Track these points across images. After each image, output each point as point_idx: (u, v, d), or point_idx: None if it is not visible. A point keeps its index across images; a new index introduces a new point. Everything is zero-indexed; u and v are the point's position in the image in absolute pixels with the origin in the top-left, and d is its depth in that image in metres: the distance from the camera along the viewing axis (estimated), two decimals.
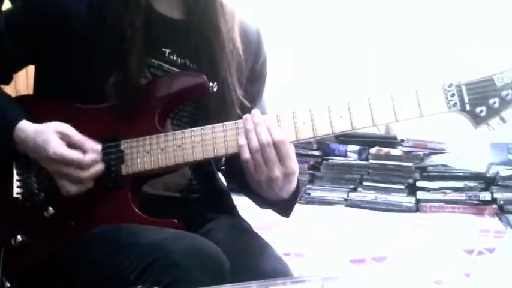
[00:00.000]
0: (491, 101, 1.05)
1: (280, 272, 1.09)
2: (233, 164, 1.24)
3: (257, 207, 1.25)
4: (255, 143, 1.06)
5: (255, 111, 1.09)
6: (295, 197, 1.16)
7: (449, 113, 1.07)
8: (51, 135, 1.10)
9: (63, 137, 1.10)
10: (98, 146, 1.12)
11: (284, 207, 1.18)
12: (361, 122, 1.08)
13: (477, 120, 1.06)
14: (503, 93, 1.05)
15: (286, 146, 1.06)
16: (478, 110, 1.05)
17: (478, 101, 1.05)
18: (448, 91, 1.06)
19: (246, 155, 1.07)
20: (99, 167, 1.11)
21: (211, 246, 1.04)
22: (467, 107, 1.06)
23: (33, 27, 1.17)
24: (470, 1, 3.47)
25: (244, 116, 1.09)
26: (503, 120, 1.06)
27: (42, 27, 1.16)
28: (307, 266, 2.37)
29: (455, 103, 1.06)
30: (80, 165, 1.09)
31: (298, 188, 1.14)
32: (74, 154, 1.09)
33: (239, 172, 1.15)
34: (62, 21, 1.14)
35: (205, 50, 1.18)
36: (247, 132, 1.07)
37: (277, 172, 1.06)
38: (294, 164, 1.07)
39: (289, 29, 3.71)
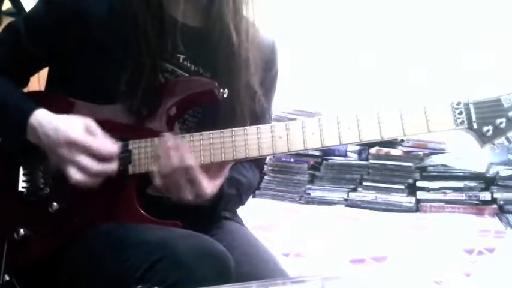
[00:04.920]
0: (498, 121, 1.07)
1: (274, 276, 1.10)
2: None
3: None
4: (165, 169, 1.07)
5: (167, 135, 1.10)
6: (218, 203, 1.18)
7: (456, 130, 1.09)
8: (76, 121, 1.10)
9: (87, 127, 1.10)
10: (117, 146, 1.11)
11: (209, 213, 1.20)
12: (369, 135, 1.09)
13: (483, 139, 1.09)
14: (510, 113, 1.07)
15: (194, 171, 1.07)
16: (484, 129, 1.08)
17: (485, 120, 1.08)
18: (456, 109, 1.08)
19: (159, 181, 1.09)
20: (112, 166, 1.10)
21: (216, 245, 1.04)
22: (475, 126, 1.08)
23: (52, 28, 1.19)
24: (470, 5, 3.47)
25: (158, 140, 1.10)
26: (509, 140, 1.09)
27: (61, 27, 1.18)
28: (307, 266, 2.37)
29: (463, 121, 1.08)
30: (96, 154, 1.09)
31: (221, 195, 1.16)
32: (93, 141, 1.09)
33: None
34: (81, 22, 1.16)
35: (219, 59, 1.20)
36: (159, 158, 1.08)
37: (188, 195, 1.08)
38: (204, 189, 1.08)
39: (288, 32, 3.71)
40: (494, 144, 1.09)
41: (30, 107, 1.13)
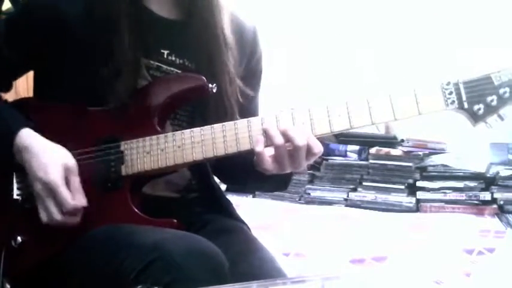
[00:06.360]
0: (489, 99, 1.06)
1: (272, 276, 1.10)
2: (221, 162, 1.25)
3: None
4: (278, 147, 1.09)
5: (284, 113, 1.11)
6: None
7: (447, 111, 1.08)
8: (57, 163, 1.09)
9: (67, 173, 1.10)
10: (85, 201, 1.10)
11: (285, 178, 1.21)
12: (359, 121, 1.08)
13: (475, 118, 1.07)
14: (501, 91, 1.06)
15: (301, 152, 1.08)
16: (475, 107, 1.06)
17: (475, 99, 1.06)
18: (446, 89, 1.07)
19: (266, 158, 1.10)
20: (74, 220, 1.09)
21: (210, 246, 1.04)
22: (465, 105, 1.07)
23: (32, 32, 1.18)
24: (465, 2, 3.47)
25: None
26: (501, 118, 1.07)
27: (40, 31, 1.17)
28: (307, 266, 2.37)
29: (453, 101, 1.07)
30: (61, 204, 1.08)
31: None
32: (66, 194, 1.08)
33: (227, 170, 1.24)
34: (59, 25, 1.15)
35: (202, 50, 1.19)
36: (271, 138, 1.09)
37: (288, 169, 1.10)
38: (305, 163, 1.11)
39: (284, 29, 3.71)
40: (486, 123, 1.07)
41: (15, 126, 1.12)
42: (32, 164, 1.09)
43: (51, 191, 1.08)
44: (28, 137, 1.11)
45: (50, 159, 1.09)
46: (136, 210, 1.12)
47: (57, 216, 1.08)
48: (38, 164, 1.09)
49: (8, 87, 1.27)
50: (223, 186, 1.39)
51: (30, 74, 1.28)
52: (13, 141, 1.11)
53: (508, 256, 2.50)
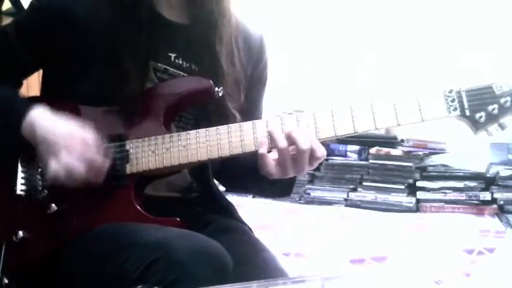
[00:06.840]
0: (490, 108, 1.08)
1: (275, 276, 1.10)
2: (223, 165, 1.26)
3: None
4: (282, 151, 1.09)
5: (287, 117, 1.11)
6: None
7: (449, 118, 1.09)
8: (80, 127, 1.10)
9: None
10: (107, 164, 1.10)
11: (288, 184, 1.21)
12: (363, 126, 1.09)
13: (476, 125, 1.09)
14: (502, 100, 1.08)
15: (305, 154, 1.08)
16: (477, 115, 1.08)
17: (477, 107, 1.08)
18: (449, 96, 1.09)
19: (271, 161, 1.10)
20: (97, 179, 1.09)
21: (214, 245, 1.04)
22: (467, 113, 1.08)
23: (42, 31, 1.19)
24: (468, 6, 3.48)
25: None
26: (502, 127, 1.09)
27: (50, 30, 1.18)
28: (307, 266, 2.37)
29: (455, 108, 1.08)
30: (88, 163, 1.08)
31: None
32: (95, 148, 1.08)
33: (228, 173, 1.24)
34: (69, 25, 1.16)
35: (208, 54, 1.20)
36: (275, 141, 1.09)
37: (291, 172, 1.10)
38: (309, 166, 1.11)
39: (287, 31, 3.71)
40: (487, 131, 1.09)
41: (27, 104, 1.14)
42: (52, 132, 1.09)
43: (77, 144, 1.07)
44: (42, 111, 1.12)
45: (71, 124, 1.10)
46: (139, 208, 1.13)
47: (80, 168, 1.06)
48: (59, 130, 1.09)
49: (18, 86, 1.28)
50: (222, 188, 1.39)
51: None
52: (23, 117, 1.11)
53: (508, 256, 2.50)
